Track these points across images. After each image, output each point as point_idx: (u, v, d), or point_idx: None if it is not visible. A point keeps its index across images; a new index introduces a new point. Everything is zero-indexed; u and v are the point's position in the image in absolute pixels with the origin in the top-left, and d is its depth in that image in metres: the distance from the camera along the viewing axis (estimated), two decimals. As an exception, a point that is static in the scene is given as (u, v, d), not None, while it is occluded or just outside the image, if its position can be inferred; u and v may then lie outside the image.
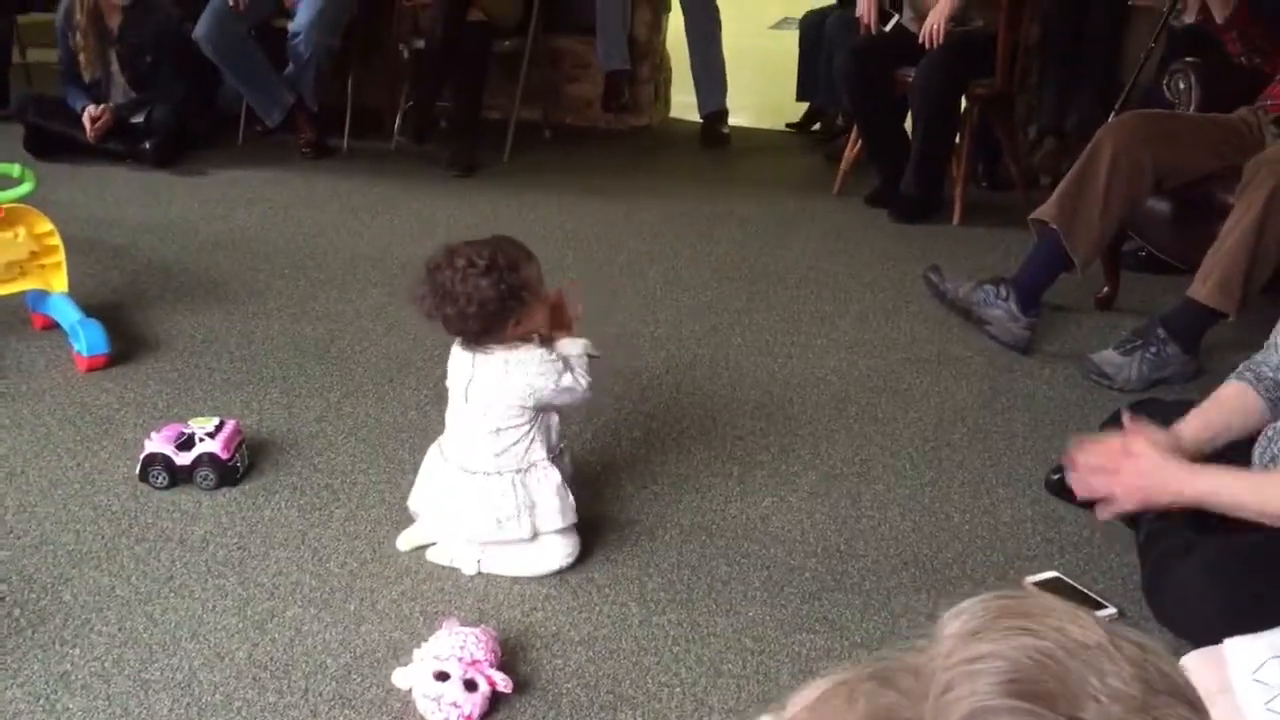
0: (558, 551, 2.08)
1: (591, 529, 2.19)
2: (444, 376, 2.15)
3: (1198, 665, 1.46)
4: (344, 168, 4.57)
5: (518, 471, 2.06)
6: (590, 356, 2.13)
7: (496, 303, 1.97)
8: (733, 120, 5.21)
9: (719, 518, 2.28)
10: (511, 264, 2.00)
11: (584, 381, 2.08)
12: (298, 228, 3.90)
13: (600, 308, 3.26)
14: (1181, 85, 3.16)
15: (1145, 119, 2.99)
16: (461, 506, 2.06)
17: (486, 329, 2.01)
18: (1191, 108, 3.12)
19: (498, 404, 2.04)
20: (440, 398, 2.67)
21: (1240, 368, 1.98)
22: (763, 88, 5.95)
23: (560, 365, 2.06)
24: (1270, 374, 1.91)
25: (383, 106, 4.92)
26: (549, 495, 2.06)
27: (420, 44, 4.55)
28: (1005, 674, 0.53)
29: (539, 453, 2.08)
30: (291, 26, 4.46)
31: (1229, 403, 1.93)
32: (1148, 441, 1.82)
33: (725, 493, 2.37)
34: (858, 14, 4.17)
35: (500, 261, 1.98)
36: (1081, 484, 1.92)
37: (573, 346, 2.12)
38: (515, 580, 2.06)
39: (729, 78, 5.13)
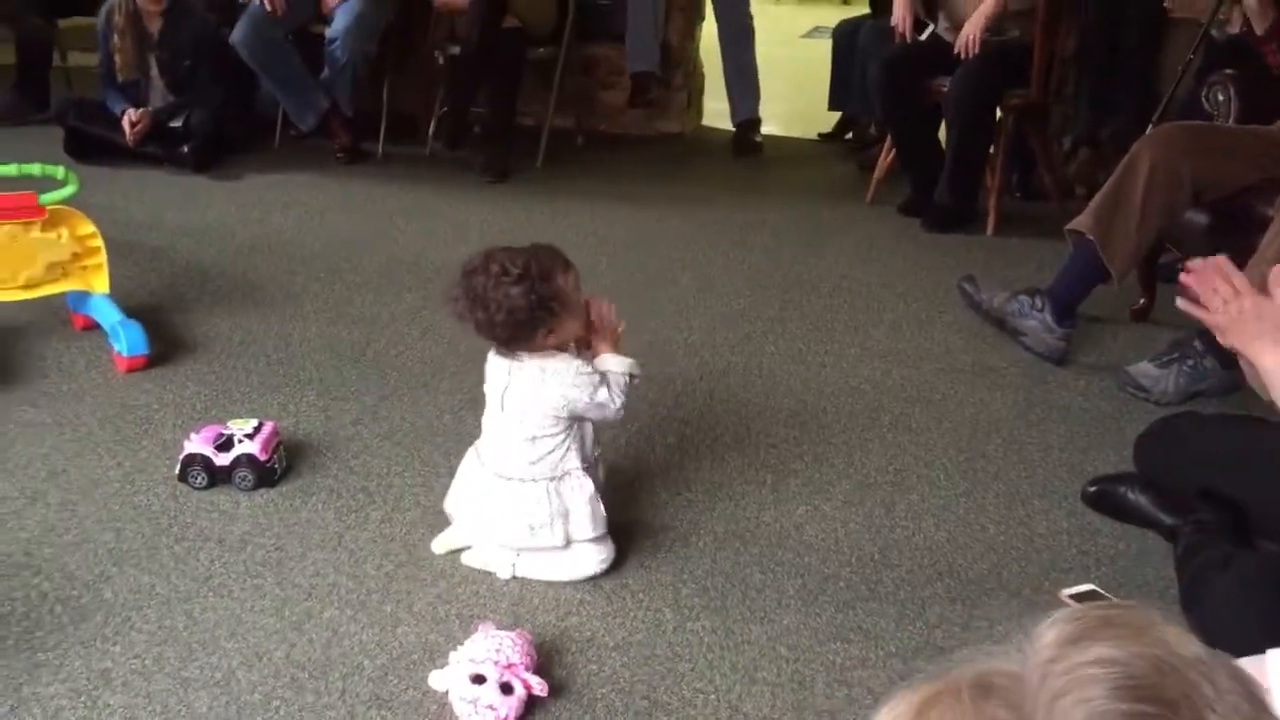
0: (591, 558, 2.08)
1: (626, 534, 2.19)
2: (479, 381, 2.16)
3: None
4: (379, 173, 4.61)
5: (552, 479, 2.07)
6: (631, 376, 2.13)
7: (525, 312, 1.98)
8: (765, 129, 5.22)
9: (753, 525, 2.28)
10: (545, 274, 2.01)
11: (618, 401, 2.09)
12: (333, 232, 3.93)
13: (633, 314, 3.26)
14: (1220, 97, 3.14)
15: (1184, 130, 2.97)
16: (496, 512, 2.07)
17: (515, 336, 2.02)
18: (1230, 119, 3.10)
19: (534, 412, 2.05)
20: (475, 402, 2.69)
21: None
22: (795, 97, 5.95)
23: (596, 379, 2.06)
24: None
25: (418, 112, 4.96)
26: (581, 504, 2.07)
27: (456, 50, 4.58)
28: (1123, 678, 0.52)
29: (573, 461, 2.08)
30: (328, 32, 4.50)
31: None
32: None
33: (759, 500, 2.37)
34: (892, 23, 4.17)
35: (533, 270, 1.99)
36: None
37: (617, 364, 2.12)
38: (550, 584, 2.07)
39: (761, 86, 5.13)
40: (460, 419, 2.63)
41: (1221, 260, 1.76)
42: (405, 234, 3.95)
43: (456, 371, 2.87)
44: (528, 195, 4.39)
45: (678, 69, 5.28)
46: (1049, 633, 0.56)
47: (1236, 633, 1.68)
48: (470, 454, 2.17)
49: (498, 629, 1.84)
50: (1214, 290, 1.74)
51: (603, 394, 2.06)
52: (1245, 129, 3.02)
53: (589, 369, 2.07)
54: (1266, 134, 2.96)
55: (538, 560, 2.08)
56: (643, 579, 2.09)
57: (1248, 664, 1.46)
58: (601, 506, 2.10)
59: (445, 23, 4.71)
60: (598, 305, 2.15)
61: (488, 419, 2.14)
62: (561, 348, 2.07)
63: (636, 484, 2.41)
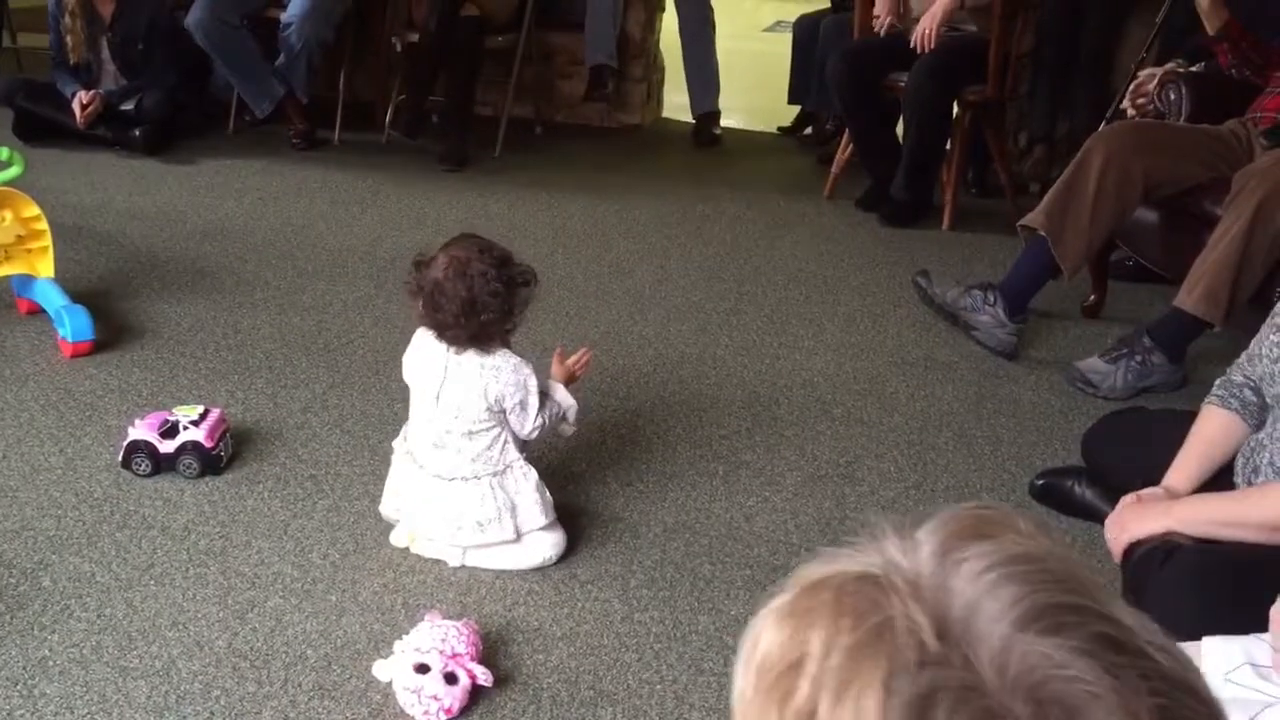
0: (544, 546, 2.08)
1: (575, 525, 2.19)
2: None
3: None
4: (335, 160, 4.56)
5: (494, 474, 2.06)
6: (564, 424, 2.18)
7: (502, 302, 1.99)
8: (725, 122, 5.22)
9: (703, 516, 2.28)
10: (505, 260, 2.04)
11: (538, 422, 2.08)
12: (287, 219, 3.89)
13: (589, 306, 3.28)
14: (1172, 96, 3.18)
15: (1136, 129, 3.00)
16: (442, 514, 2.06)
17: (485, 328, 2.01)
18: (1182, 118, 3.14)
19: (470, 407, 2.03)
20: (426, 391, 2.67)
21: (1216, 386, 1.96)
22: (755, 90, 5.95)
23: (531, 386, 2.06)
24: (1241, 383, 1.90)
25: (375, 100, 4.91)
26: (529, 495, 2.06)
27: (414, 37, 4.54)
28: (1037, 571, 0.51)
29: (513, 453, 2.08)
30: (284, 17, 4.45)
31: (1216, 435, 1.93)
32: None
33: (710, 491, 2.37)
34: (875, 13, 4.12)
35: (501, 257, 2.03)
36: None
37: (563, 396, 2.16)
38: (498, 574, 2.06)
39: (722, 80, 5.13)
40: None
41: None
42: (360, 222, 3.91)
43: (409, 360, 2.85)
44: (485, 185, 4.37)
45: (638, 61, 5.26)
46: (929, 537, 0.53)
47: (1178, 626, 1.69)
48: (400, 456, 2.15)
49: (444, 619, 1.83)
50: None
51: (532, 404, 2.06)
52: (1196, 128, 3.05)
53: (528, 370, 2.07)
54: (1217, 133, 2.99)
55: (489, 551, 2.07)
56: (591, 569, 2.09)
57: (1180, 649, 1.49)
58: (548, 494, 2.09)
59: (403, 9, 4.67)
60: (582, 354, 2.28)
61: (418, 416, 2.11)
62: (505, 343, 2.07)
63: (587, 474, 2.40)
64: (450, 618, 1.85)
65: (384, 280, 3.37)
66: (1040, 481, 2.33)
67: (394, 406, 2.62)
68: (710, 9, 5.05)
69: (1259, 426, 1.87)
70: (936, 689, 0.48)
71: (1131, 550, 1.88)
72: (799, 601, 0.54)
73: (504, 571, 2.06)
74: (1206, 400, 1.97)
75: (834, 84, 4.20)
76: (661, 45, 5.48)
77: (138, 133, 4.36)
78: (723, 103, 5.17)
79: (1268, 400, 1.85)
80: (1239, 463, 1.88)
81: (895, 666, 0.48)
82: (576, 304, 3.29)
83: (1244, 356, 1.95)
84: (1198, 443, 1.94)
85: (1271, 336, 1.87)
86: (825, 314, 3.32)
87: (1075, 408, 2.79)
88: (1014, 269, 3.08)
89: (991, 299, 3.03)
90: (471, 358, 2.03)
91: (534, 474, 2.08)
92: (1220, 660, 1.39)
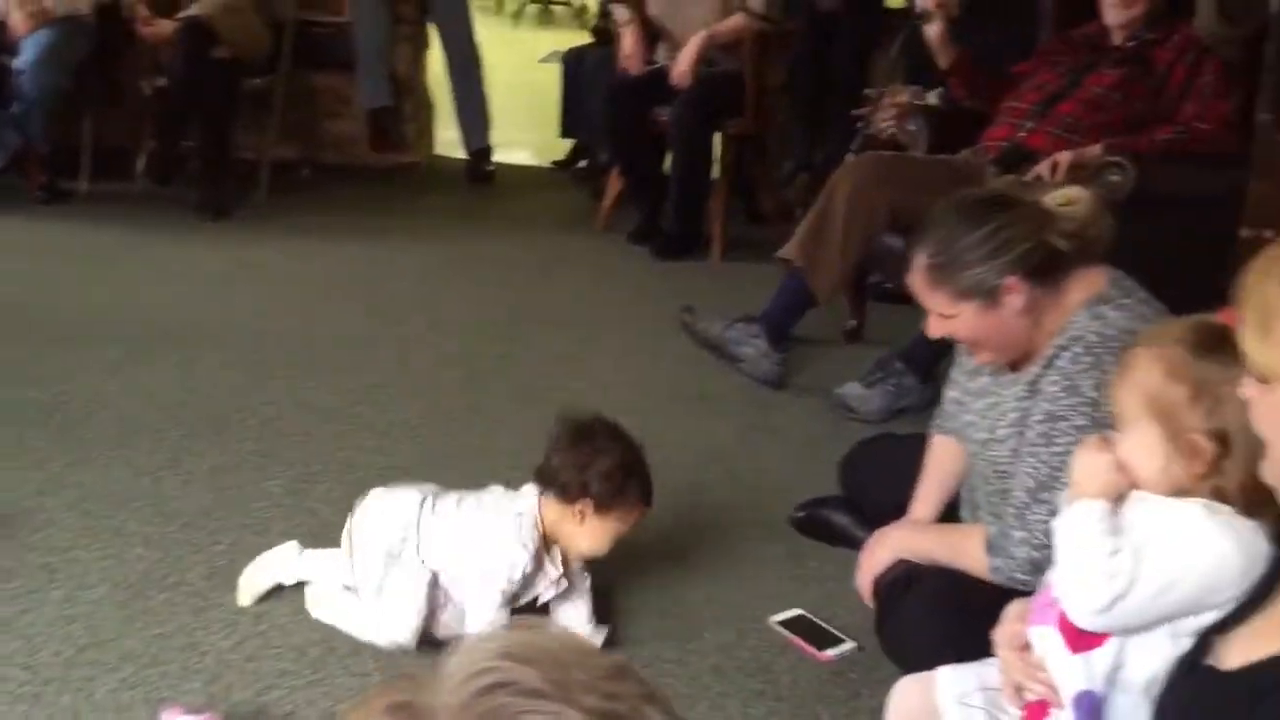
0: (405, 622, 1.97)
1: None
2: (183, 438, 2.04)
3: (908, 690, 1.51)
4: (82, 213, 4.30)
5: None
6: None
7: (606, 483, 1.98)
8: (501, 157, 5.19)
9: (469, 575, 2.22)
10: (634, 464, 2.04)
11: (491, 611, 1.95)
12: (26, 280, 3.64)
13: (353, 360, 3.18)
14: (912, 127, 3.33)
15: (877, 161, 3.13)
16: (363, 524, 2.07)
17: (571, 487, 1.98)
18: (922, 149, 3.29)
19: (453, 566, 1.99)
20: (177, 463, 2.56)
21: (935, 414, 2.05)
22: (531, 123, 5.95)
23: (521, 570, 1.96)
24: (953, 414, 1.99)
25: (127, 147, 4.66)
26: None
27: (162, 82, 4.33)
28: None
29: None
30: (15, 64, 4.17)
31: (945, 461, 2.01)
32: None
33: (478, 548, 2.32)
34: (622, 60, 4.19)
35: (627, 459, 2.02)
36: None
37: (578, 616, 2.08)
38: (249, 658, 1.95)
39: (500, 112, 5.11)
40: (159, 481, 2.47)
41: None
42: (110, 279, 3.69)
43: (159, 429, 2.70)
44: (249, 233, 4.20)
45: (407, 98, 5.18)
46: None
47: (920, 652, 1.74)
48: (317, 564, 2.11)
49: (185, 713, 1.72)
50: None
51: (498, 584, 1.96)
52: (935, 159, 3.20)
53: (532, 546, 1.97)
54: (952, 162, 3.14)
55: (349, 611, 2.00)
56: (349, 644, 2.01)
57: (915, 679, 1.53)
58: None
59: (151, 53, 4.45)
60: None
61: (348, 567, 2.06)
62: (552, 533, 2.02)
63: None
64: (193, 711, 1.74)
65: (135, 343, 3.19)
66: (799, 513, 2.38)
67: (140, 481, 2.48)
68: (475, 44, 5.02)
69: None
70: None
71: (879, 584, 1.94)
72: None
73: (255, 655, 1.96)
74: (930, 429, 2.06)
75: (600, 118, 4.24)
76: (430, 81, 5.42)
77: None
78: (501, 136, 5.14)
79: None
80: (963, 495, 1.97)
81: None
82: (343, 356, 3.19)
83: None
84: (933, 470, 2.03)
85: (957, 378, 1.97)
86: (598, 352, 3.32)
87: (838, 433, 2.86)
88: (774, 300, 3.16)
89: (755, 330, 3.10)
90: (486, 511, 2.03)
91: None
92: (955, 688, 1.43)
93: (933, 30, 3.24)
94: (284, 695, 1.87)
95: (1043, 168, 2.90)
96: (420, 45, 5.22)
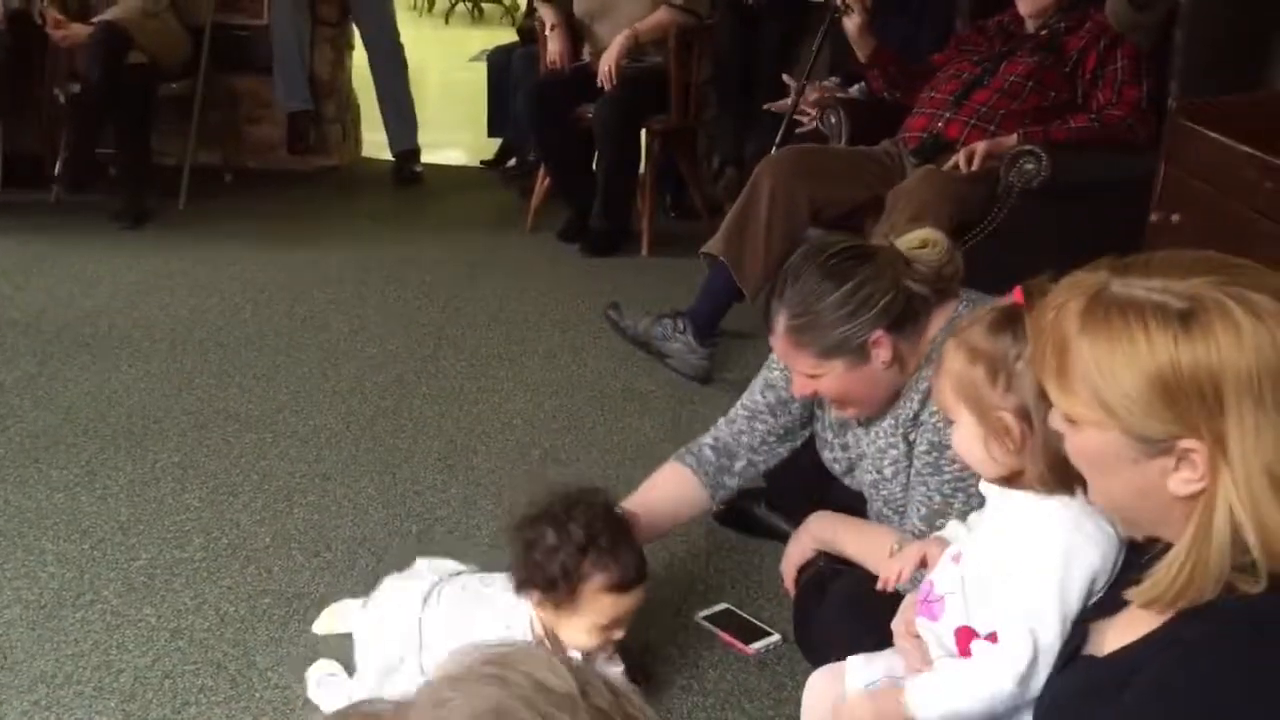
0: None
1: (252, 604, 2.08)
2: (99, 452, 2.01)
3: (820, 681, 1.51)
4: (-5, 223, 4.20)
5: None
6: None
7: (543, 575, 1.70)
8: (436, 157, 5.14)
9: (394, 581, 2.20)
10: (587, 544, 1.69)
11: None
12: (-64, 294, 3.54)
13: (275, 365, 3.14)
14: (833, 120, 3.34)
15: (798, 154, 3.14)
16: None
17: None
18: (843, 140, 3.31)
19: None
20: (93, 478, 2.51)
21: (683, 449, 2.06)
22: (461, 123, 5.91)
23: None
24: (710, 453, 2.01)
25: (42, 155, 4.56)
26: None
27: (77, 88, 4.24)
28: None
29: None
30: (-79, 72, 4.07)
31: (667, 487, 2.02)
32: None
33: (403, 553, 2.29)
34: (549, 59, 4.17)
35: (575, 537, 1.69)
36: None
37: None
38: (167, 675, 1.91)
39: (432, 112, 5.06)
40: (74, 497, 2.42)
41: None
42: (23, 291, 3.61)
43: (74, 443, 2.64)
44: (168, 241, 4.12)
45: (330, 100, 5.12)
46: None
47: (835, 650, 1.74)
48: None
49: (98, 735, 1.68)
50: None
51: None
52: (855, 150, 3.22)
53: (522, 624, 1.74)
54: (872, 154, 3.16)
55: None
56: (272, 654, 1.97)
57: (826, 670, 1.54)
58: None
59: (63, 58, 4.36)
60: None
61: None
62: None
63: (273, 549, 2.28)
64: (107, 733, 1.71)
65: (49, 355, 3.12)
66: (723, 506, 2.38)
67: (54, 498, 2.43)
68: (400, 45, 4.98)
69: None
70: None
71: (799, 577, 1.95)
72: None
73: (172, 671, 1.92)
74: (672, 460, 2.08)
75: (526, 117, 4.22)
76: (355, 82, 5.36)
77: None
78: (432, 137, 5.10)
79: None
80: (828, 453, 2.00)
81: None
82: (265, 363, 3.14)
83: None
84: (650, 487, 2.06)
85: None
86: (526, 352, 3.30)
87: (765, 426, 2.87)
88: (700, 294, 3.16)
89: (681, 326, 3.10)
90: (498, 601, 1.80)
91: None
92: (862, 676, 1.44)
93: (851, 23, 3.26)
94: (202, 711, 1.84)
95: (959, 157, 2.93)
96: (342, 46, 5.17)
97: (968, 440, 1.30)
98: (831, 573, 1.85)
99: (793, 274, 1.77)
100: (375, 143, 5.35)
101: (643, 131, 4.18)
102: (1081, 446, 1.02)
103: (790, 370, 1.86)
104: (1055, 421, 1.04)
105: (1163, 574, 0.96)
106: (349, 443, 2.74)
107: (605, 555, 1.69)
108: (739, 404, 2.07)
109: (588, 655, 1.73)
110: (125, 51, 4.14)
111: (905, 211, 2.76)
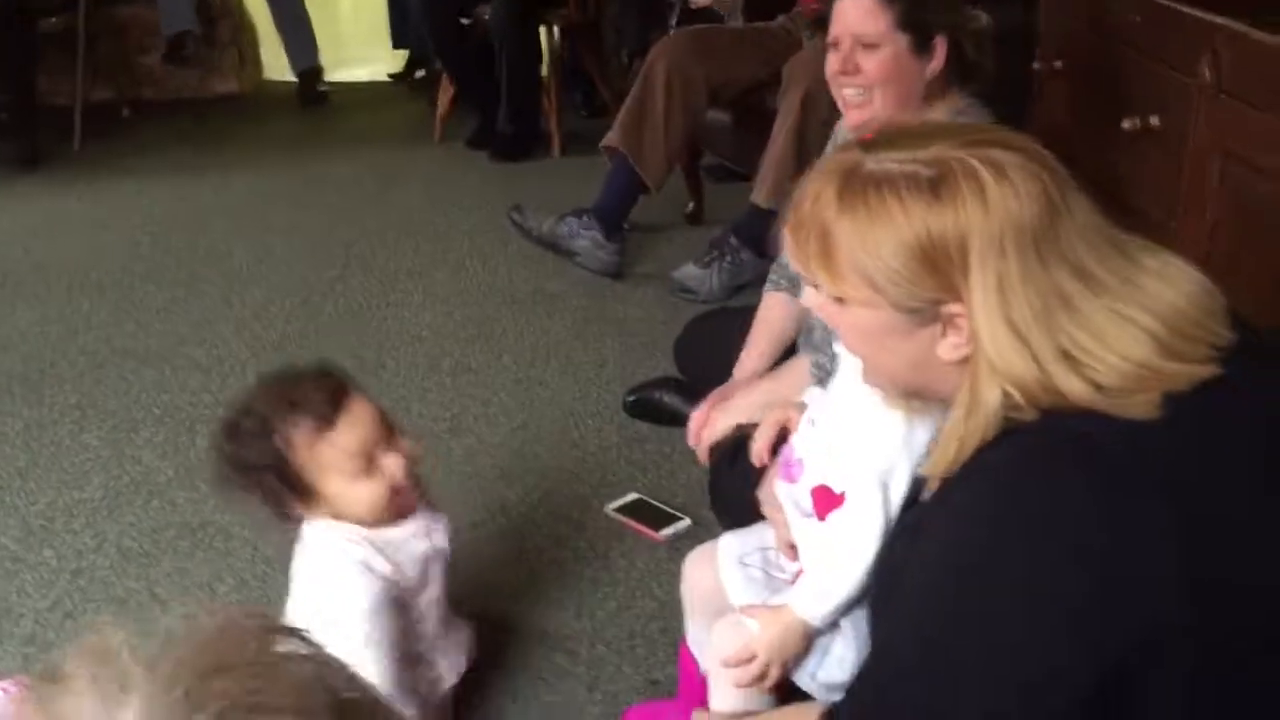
0: None
1: (159, 540, 2.04)
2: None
3: (699, 556, 1.50)
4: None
5: None
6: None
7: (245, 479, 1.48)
8: (345, 75, 4.99)
9: (300, 502, 2.17)
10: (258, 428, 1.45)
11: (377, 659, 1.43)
12: None
13: (177, 299, 3.06)
14: (728, -2, 3.26)
15: (691, 36, 3.06)
16: None
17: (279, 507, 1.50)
18: (738, 19, 3.23)
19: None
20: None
21: (770, 271, 2.06)
22: (370, 38, 5.72)
23: (358, 559, 1.47)
24: (787, 263, 1.98)
25: (-76, 104, 4.38)
26: None
27: (-51, 31, 4.06)
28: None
29: None
30: None
31: (777, 323, 2.01)
32: None
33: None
34: None
35: (245, 426, 1.46)
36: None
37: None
38: (68, 615, 1.88)
39: (340, 27, 4.90)
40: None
41: None
42: (-88, 246, 3.49)
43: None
44: (63, 182, 3.99)
45: (224, 22, 4.94)
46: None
47: (746, 515, 1.74)
48: None
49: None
50: None
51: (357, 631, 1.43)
52: (750, 27, 3.15)
53: (355, 555, 1.47)
54: (768, 30, 3.09)
55: None
56: (176, 584, 1.94)
57: (699, 551, 1.53)
58: None
59: (-67, 0, 4.16)
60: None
61: None
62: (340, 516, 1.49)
63: (175, 482, 2.24)
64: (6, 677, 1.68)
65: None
66: (631, 398, 2.37)
67: (-53, 451, 2.36)
68: (291, -41, 4.79)
69: None
70: None
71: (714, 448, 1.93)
72: None
73: (72, 612, 1.89)
74: (765, 287, 2.05)
75: (422, 23, 4.09)
76: (248, 3, 5.17)
77: None
78: (342, 54, 4.93)
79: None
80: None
81: None
82: (164, 297, 3.07)
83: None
84: (760, 327, 2.03)
85: None
86: (435, 264, 3.24)
87: (677, 317, 2.81)
88: (604, 189, 3.10)
89: (588, 223, 3.04)
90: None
91: None
92: (734, 549, 1.43)
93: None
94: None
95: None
96: (232, -35, 4.97)
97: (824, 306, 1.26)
98: (745, 438, 1.83)
99: None
100: (279, 66, 5.18)
101: (542, 28, 4.07)
102: (852, 324, 1.02)
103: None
104: (818, 306, 1.03)
105: (942, 446, 0.98)
106: (253, 369, 2.67)
107: (289, 409, 1.44)
108: None
109: (398, 509, 1.52)
110: (-6, -12, 3.96)
111: (802, 85, 2.71)
